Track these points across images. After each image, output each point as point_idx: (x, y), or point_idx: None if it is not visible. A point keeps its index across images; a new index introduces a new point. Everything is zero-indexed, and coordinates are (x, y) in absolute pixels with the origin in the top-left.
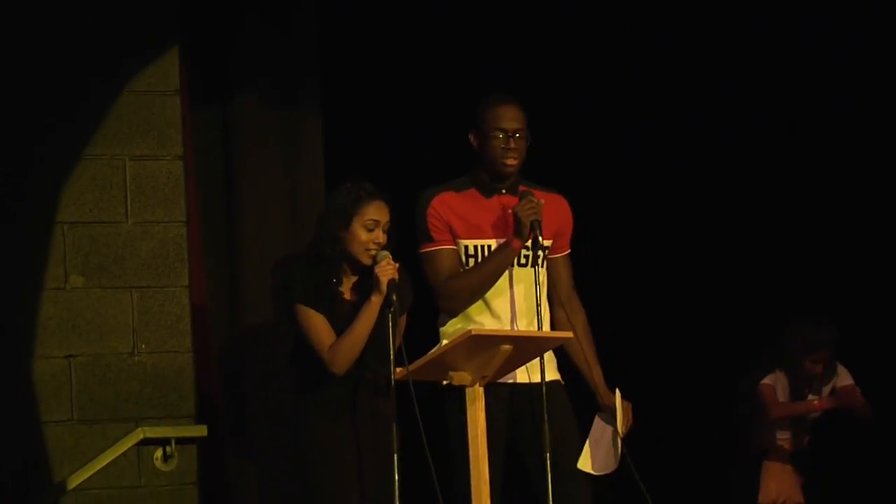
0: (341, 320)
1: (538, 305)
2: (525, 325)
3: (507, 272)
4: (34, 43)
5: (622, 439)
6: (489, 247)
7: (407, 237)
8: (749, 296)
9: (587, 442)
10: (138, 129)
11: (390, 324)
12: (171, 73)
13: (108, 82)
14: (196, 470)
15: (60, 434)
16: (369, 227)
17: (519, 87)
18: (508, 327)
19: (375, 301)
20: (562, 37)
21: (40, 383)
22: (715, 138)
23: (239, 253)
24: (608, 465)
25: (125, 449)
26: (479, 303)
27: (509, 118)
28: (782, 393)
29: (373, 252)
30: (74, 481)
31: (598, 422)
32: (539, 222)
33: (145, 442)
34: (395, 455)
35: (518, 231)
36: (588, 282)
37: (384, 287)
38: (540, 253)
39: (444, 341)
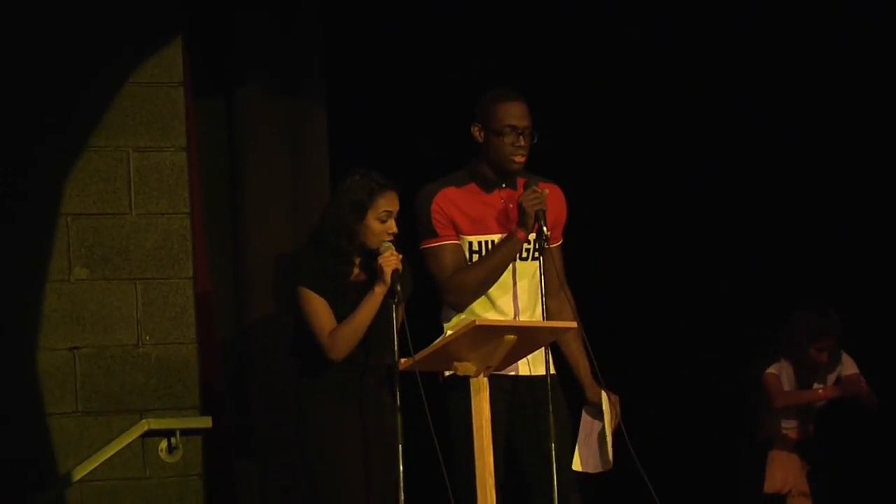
0: (349, 307)
1: (543, 296)
2: (528, 319)
3: (509, 268)
4: (38, 35)
5: (612, 435)
6: (492, 242)
7: (406, 230)
8: (754, 285)
9: (577, 440)
10: (142, 121)
11: (394, 314)
12: (174, 64)
13: (111, 74)
14: (201, 461)
15: (65, 426)
16: (383, 219)
17: (518, 77)
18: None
19: (379, 291)
20: (561, 29)
21: (45, 375)
22: (718, 127)
23: (243, 244)
24: (601, 464)
25: (130, 440)
26: (483, 299)
27: (520, 115)
28: (787, 382)
29: (388, 243)
30: (79, 473)
31: (585, 417)
32: (544, 212)
33: (150, 433)
34: (400, 446)
35: (522, 221)
36: (592, 272)
37: (388, 277)
38: (545, 244)
39: (449, 333)
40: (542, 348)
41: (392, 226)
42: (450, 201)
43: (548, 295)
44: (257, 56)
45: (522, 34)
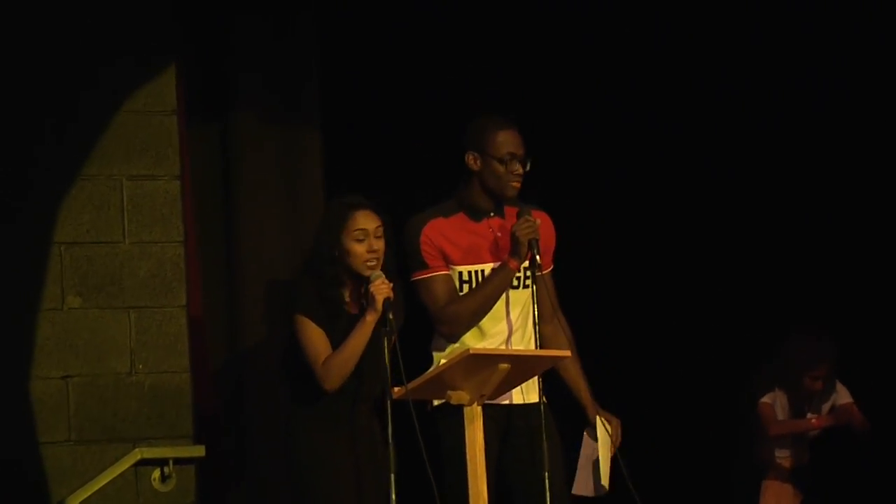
0: (343, 337)
1: (535, 325)
2: (525, 347)
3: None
4: (31, 62)
5: (614, 457)
6: (483, 271)
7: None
8: (750, 312)
9: (579, 463)
10: (135, 149)
11: (386, 343)
12: (167, 92)
13: (104, 102)
14: (194, 490)
15: (58, 455)
16: (359, 238)
17: (506, 101)
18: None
19: (370, 319)
20: (553, 52)
21: (38, 404)
22: (712, 153)
23: (237, 270)
24: (598, 488)
25: (123, 469)
26: (475, 329)
27: (517, 143)
28: (781, 411)
29: (373, 263)
30: (72, 502)
31: (587, 440)
32: (537, 241)
33: (143, 462)
34: (393, 475)
35: (515, 251)
36: (588, 297)
37: (379, 305)
38: (536, 272)
39: (443, 362)
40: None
41: (372, 244)
42: (438, 232)
43: (541, 321)
44: (252, 80)
45: (516, 50)
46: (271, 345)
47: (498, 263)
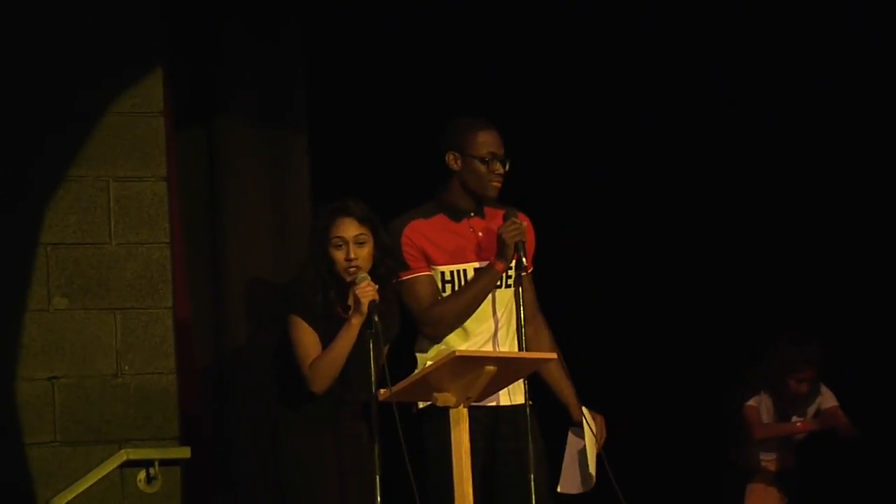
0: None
1: (520, 327)
2: (507, 349)
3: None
4: (17, 64)
5: (599, 453)
6: (464, 271)
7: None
8: (737, 316)
9: (564, 461)
10: (122, 151)
11: (371, 346)
12: (154, 94)
13: (91, 103)
14: (180, 492)
15: (44, 456)
16: (338, 245)
17: (490, 101)
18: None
19: (356, 323)
20: (531, 55)
21: (23, 405)
22: (700, 156)
23: (224, 272)
24: (585, 483)
25: (109, 471)
26: (459, 329)
27: (497, 143)
28: (767, 414)
29: (353, 270)
30: (58, 503)
31: (572, 438)
32: (523, 244)
33: (129, 464)
34: (378, 476)
35: (502, 253)
36: (575, 298)
37: (365, 308)
38: (522, 274)
39: (429, 363)
40: None
41: (350, 251)
42: (420, 233)
43: (524, 322)
44: (239, 85)
45: (500, 57)
46: (257, 347)
47: (479, 263)
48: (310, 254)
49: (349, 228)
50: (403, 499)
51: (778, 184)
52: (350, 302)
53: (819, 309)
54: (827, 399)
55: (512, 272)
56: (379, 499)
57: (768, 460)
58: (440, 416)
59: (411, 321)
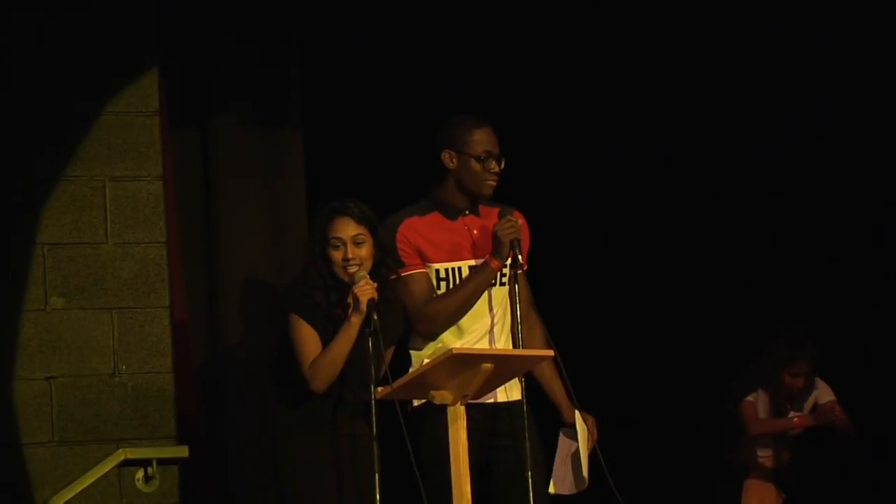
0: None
1: (517, 324)
2: (502, 346)
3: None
4: (13, 64)
5: (592, 453)
6: (459, 269)
7: None
8: (733, 313)
9: (555, 462)
10: (118, 150)
11: (370, 344)
12: (150, 93)
13: (87, 103)
14: (177, 491)
15: (41, 456)
16: (335, 245)
17: (488, 101)
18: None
19: (355, 321)
20: (525, 55)
21: (21, 405)
22: (696, 154)
23: (219, 273)
24: (578, 484)
25: (106, 470)
26: (454, 327)
27: (492, 141)
28: (763, 410)
29: (351, 270)
30: (55, 503)
31: (563, 439)
32: (518, 241)
33: (126, 463)
34: (377, 474)
35: (497, 251)
36: (571, 297)
37: (363, 307)
38: (518, 271)
39: (425, 361)
40: None
41: (349, 251)
42: (414, 230)
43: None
44: (234, 86)
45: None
46: (252, 347)
47: (474, 261)
48: (309, 254)
49: (347, 228)
50: (403, 498)
51: (774, 181)
52: (349, 301)
53: (817, 307)
54: (823, 393)
55: (507, 270)
56: (378, 498)
57: (765, 456)
58: (437, 414)
59: (409, 320)
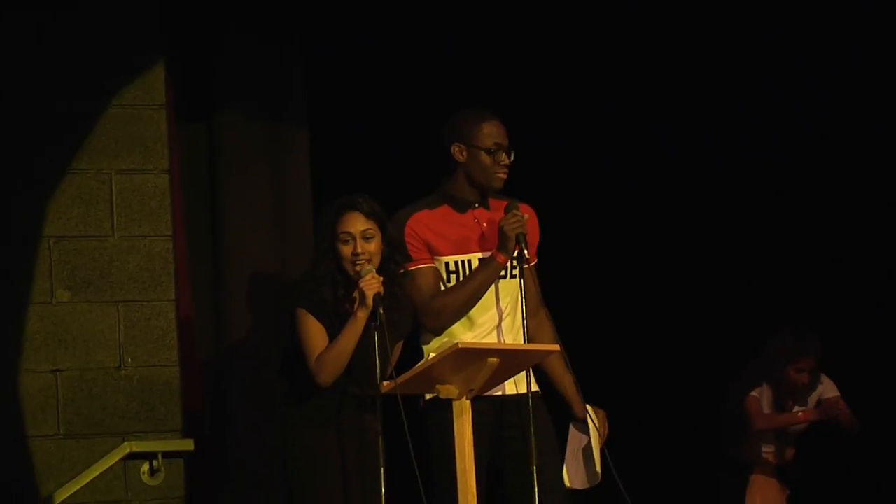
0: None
1: (524, 318)
2: (511, 340)
3: (491, 287)
4: (20, 57)
5: (602, 449)
6: (469, 262)
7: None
8: (737, 307)
9: (566, 458)
10: (124, 144)
11: (376, 339)
12: (156, 87)
13: (93, 96)
14: (183, 484)
15: (47, 448)
16: (345, 240)
17: (491, 94)
18: (494, 342)
19: (361, 316)
20: (533, 49)
21: (27, 398)
22: (699, 150)
23: (224, 267)
24: (591, 479)
25: (112, 463)
26: (464, 319)
27: (502, 134)
28: (767, 405)
29: (360, 263)
30: (61, 496)
31: (573, 433)
32: (524, 235)
33: (132, 456)
34: (382, 468)
35: (503, 245)
36: (576, 291)
37: (370, 301)
38: (525, 266)
39: (432, 355)
40: None
41: (359, 246)
42: (423, 224)
43: (527, 314)
44: (239, 80)
45: (495, 51)
46: (257, 341)
47: (484, 254)
48: (318, 250)
49: (356, 223)
50: (409, 492)
51: (777, 177)
52: (356, 296)
53: (821, 302)
54: (828, 389)
55: (514, 261)
56: (383, 490)
57: (769, 451)
58: (444, 409)
59: (416, 314)
